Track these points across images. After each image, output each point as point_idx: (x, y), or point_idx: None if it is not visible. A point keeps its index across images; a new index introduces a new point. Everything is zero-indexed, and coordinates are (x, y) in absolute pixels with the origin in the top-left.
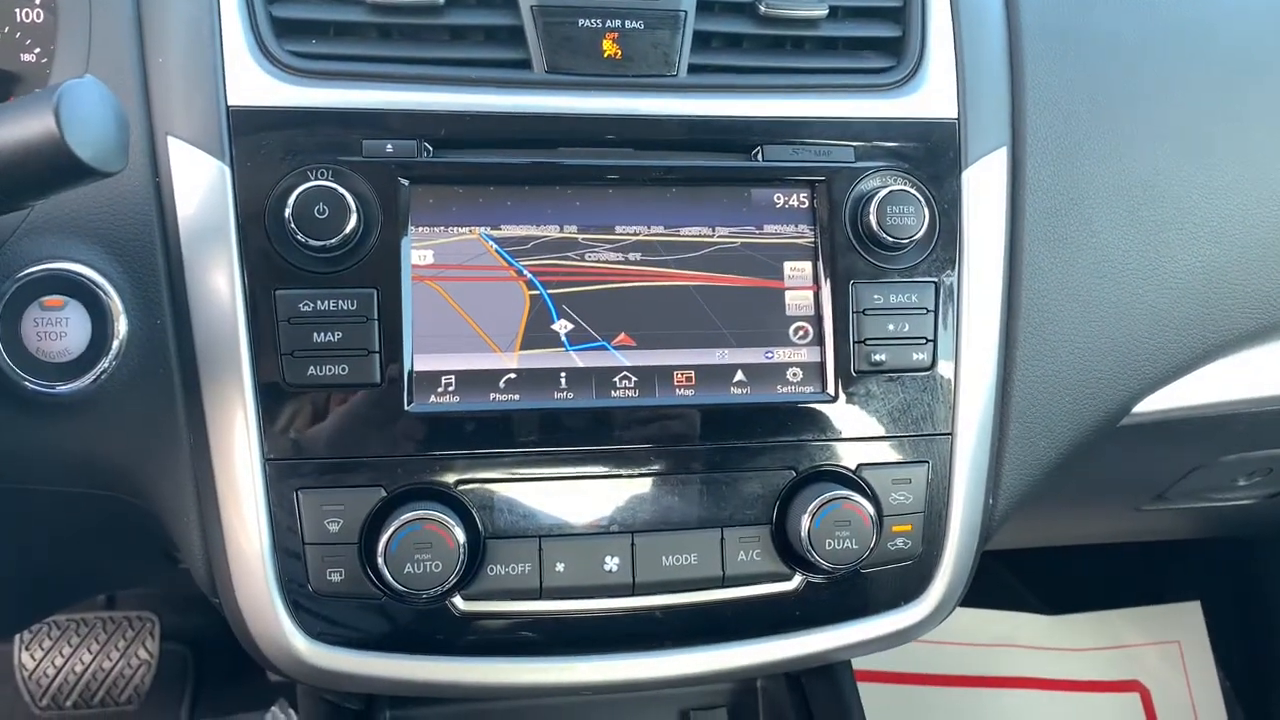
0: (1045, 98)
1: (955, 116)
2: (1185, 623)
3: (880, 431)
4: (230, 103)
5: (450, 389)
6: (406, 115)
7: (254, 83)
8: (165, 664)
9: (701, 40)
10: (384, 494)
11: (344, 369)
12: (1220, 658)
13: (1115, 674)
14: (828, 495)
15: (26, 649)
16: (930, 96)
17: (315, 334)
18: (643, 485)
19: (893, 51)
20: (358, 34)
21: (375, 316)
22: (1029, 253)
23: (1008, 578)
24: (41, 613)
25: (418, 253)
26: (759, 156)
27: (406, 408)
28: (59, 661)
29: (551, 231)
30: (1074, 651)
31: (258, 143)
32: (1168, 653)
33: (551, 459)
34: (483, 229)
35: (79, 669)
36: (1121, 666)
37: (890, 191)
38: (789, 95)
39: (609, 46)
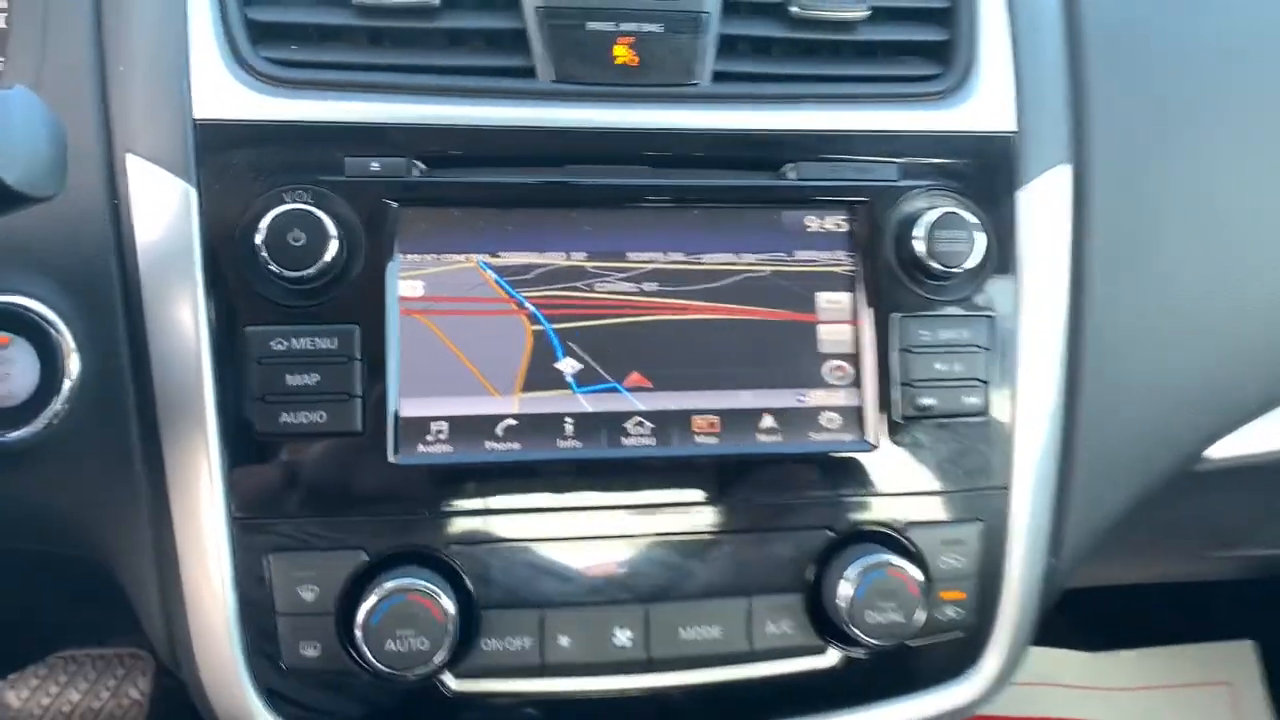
0: (1110, 108)
1: (1012, 129)
2: (1238, 663)
3: (928, 486)
4: (197, 116)
5: (441, 437)
6: (395, 130)
7: (225, 93)
8: (159, 704)
9: (727, 45)
10: (365, 558)
11: (321, 415)
12: (1276, 701)
13: (1161, 717)
14: (870, 560)
15: (12, 688)
16: (983, 107)
17: (289, 376)
18: (659, 547)
19: (940, 58)
20: (344, 39)
21: (357, 356)
22: (1094, 282)
23: (1048, 611)
24: (12, 666)
25: (406, 284)
26: (791, 174)
27: (391, 459)
28: (45, 701)
29: (557, 259)
30: (1117, 691)
31: (227, 161)
32: (1218, 695)
33: (555, 517)
34: (480, 256)
35: (66, 709)
36: (1168, 709)
37: (940, 214)
38: (825, 106)
39: (622, 52)
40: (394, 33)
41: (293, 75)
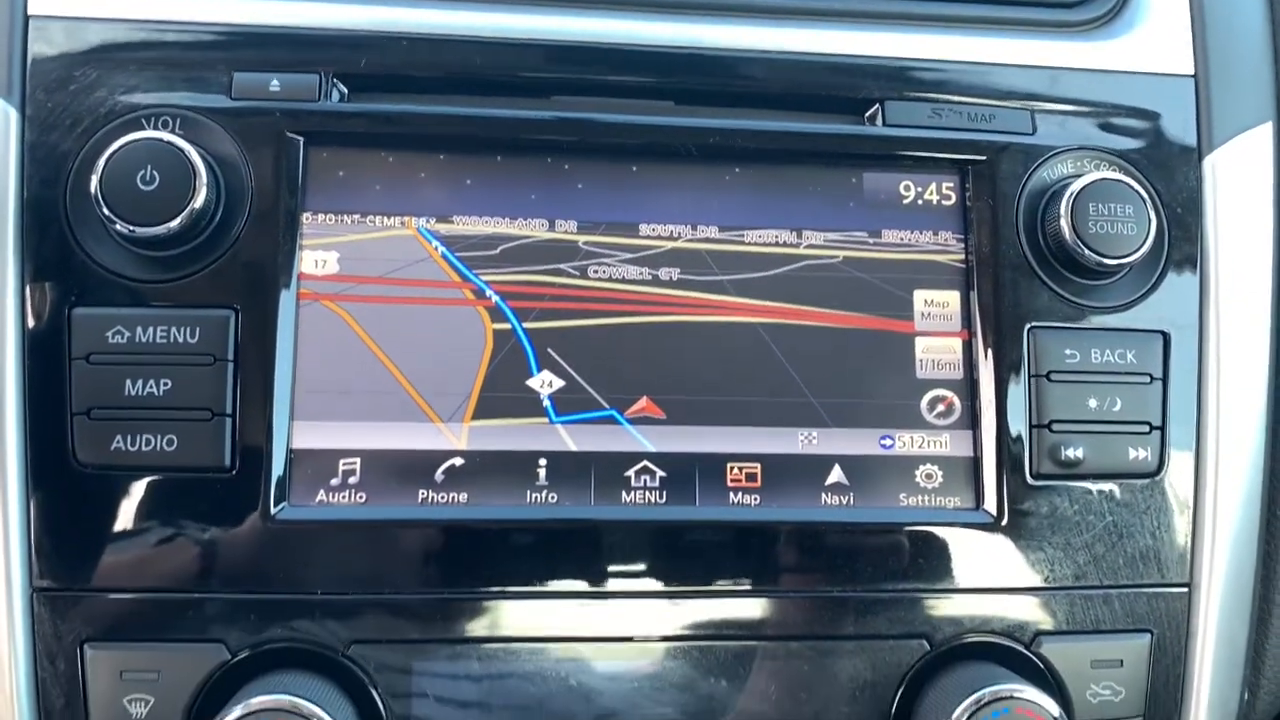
0: None
1: (1190, 72)
2: None
3: (1071, 578)
4: (32, 10)
5: (353, 482)
6: (307, 38)
7: None
8: None
9: None
10: (227, 656)
11: (171, 442)
12: None
13: None
14: (985, 692)
15: None
16: (1149, 41)
17: (130, 382)
18: (670, 661)
19: None
20: None
21: (229, 356)
22: None
23: None
24: None
25: (313, 255)
26: (878, 119)
27: (273, 511)
28: None
29: (536, 229)
30: None
31: (67, 73)
32: None
33: (518, 610)
34: (422, 220)
35: None
36: None
37: (1093, 182)
38: (929, 29)
39: None
40: None
41: None
